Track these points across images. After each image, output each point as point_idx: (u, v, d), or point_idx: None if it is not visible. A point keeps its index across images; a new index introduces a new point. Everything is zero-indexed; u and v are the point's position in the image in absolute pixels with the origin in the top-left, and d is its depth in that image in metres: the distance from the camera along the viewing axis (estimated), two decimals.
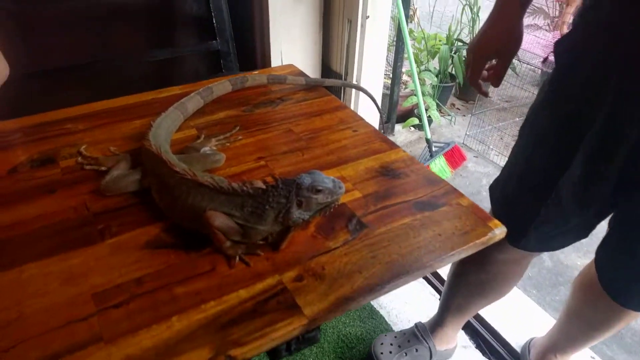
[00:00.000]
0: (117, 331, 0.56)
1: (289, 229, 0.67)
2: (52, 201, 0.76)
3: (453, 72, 3.26)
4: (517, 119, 3.07)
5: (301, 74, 1.18)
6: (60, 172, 0.82)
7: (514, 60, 3.31)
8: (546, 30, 3.44)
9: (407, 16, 2.24)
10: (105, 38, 1.67)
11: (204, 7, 1.84)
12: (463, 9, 3.33)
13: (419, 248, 0.69)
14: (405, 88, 2.86)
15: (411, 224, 0.74)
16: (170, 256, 0.67)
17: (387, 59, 2.61)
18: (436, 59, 3.16)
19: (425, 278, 1.95)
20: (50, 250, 0.67)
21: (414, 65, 2.31)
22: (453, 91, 3.42)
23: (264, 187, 0.65)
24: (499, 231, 0.73)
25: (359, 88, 1.15)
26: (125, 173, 0.78)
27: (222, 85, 1.03)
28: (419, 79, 2.59)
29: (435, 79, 2.84)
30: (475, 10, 3.30)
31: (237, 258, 0.66)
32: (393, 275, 0.65)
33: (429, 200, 0.79)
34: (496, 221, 0.75)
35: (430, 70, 2.81)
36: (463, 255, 0.71)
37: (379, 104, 1.25)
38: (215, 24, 1.87)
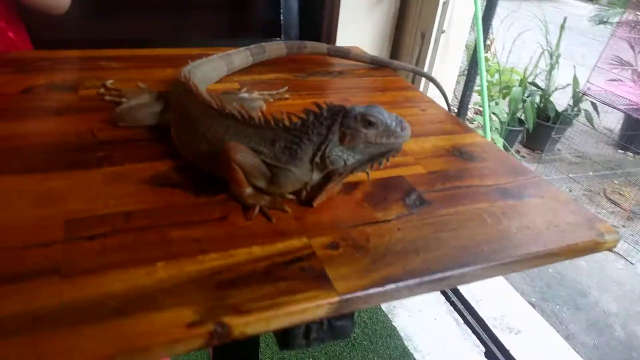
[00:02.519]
0: (81, 266, 0.41)
1: (327, 181, 0.51)
2: (56, 123, 0.64)
3: (522, 117, 3.05)
4: (591, 173, 2.79)
5: (366, 53, 1.04)
6: (76, 99, 0.71)
7: (593, 113, 3.05)
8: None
9: (484, 44, 2.09)
10: (173, 21, 1.68)
11: (275, 5, 1.78)
12: (541, 54, 3.14)
13: (502, 238, 0.51)
14: (471, 123, 2.68)
15: (489, 210, 0.56)
16: (175, 196, 0.52)
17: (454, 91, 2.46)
18: (506, 100, 2.96)
19: (466, 322, 1.71)
20: (31, 168, 0.54)
21: (486, 96, 2.13)
22: (520, 138, 3.19)
23: (304, 117, 0.50)
24: (610, 237, 0.54)
25: (430, 78, 1.00)
26: (145, 103, 0.65)
27: (276, 46, 0.91)
28: (488, 112, 2.41)
29: (506, 115, 2.64)
30: (555, 57, 3.10)
31: (258, 209, 0.50)
32: (464, 263, 0.47)
33: (514, 189, 0.61)
34: (606, 225, 0.55)
35: (499, 105, 2.61)
36: (561, 258, 0.52)
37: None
38: (282, 22, 1.80)
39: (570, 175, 2.71)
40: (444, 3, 1.67)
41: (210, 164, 0.54)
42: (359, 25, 1.76)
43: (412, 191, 0.58)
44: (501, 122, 2.59)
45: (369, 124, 0.47)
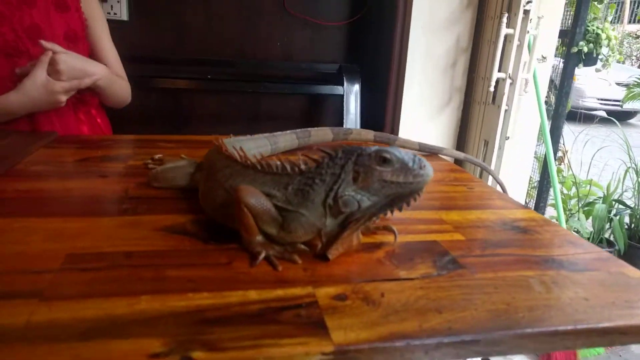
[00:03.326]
0: (63, 292, 0.39)
1: (343, 230, 0.46)
2: (97, 182, 0.67)
3: (611, 238, 2.77)
4: None
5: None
6: (122, 167, 0.75)
7: None
8: None
9: (555, 156, 2.01)
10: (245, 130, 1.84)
11: (338, 117, 1.87)
12: (626, 171, 2.95)
13: (550, 307, 0.42)
14: None
15: (539, 278, 0.47)
16: (184, 242, 0.50)
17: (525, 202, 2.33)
18: (590, 217, 2.73)
19: None
20: (56, 213, 0.55)
21: (561, 209, 1.99)
22: None
23: (319, 160, 0.47)
24: None
25: (481, 165, 0.95)
26: (179, 166, 0.66)
27: (322, 132, 0.92)
28: (567, 227, 2.22)
29: (588, 232, 2.41)
30: None
31: (263, 256, 0.46)
32: (497, 327, 0.38)
33: (573, 261, 0.51)
34: None
35: (580, 221, 2.40)
36: (630, 339, 0.41)
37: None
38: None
39: None
40: (506, 111, 1.66)
41: (226, 214, 0.52)
42: (421, 133, 1.78)
43: (445, 254, 0.51)
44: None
45: (383, 161, 0.43)
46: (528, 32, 1.61)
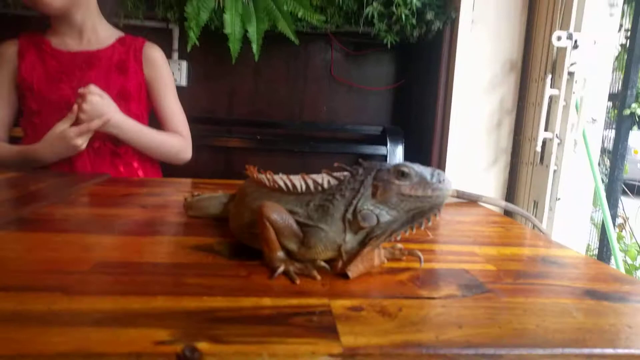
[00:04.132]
0: (84, 289, 0.40)
1: (363, 247, 0.45)
2: (136, 211, 0.70)
3: None
4: None
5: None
6: (162, 201, 0.78)
7: None
8: None
9: (614, 222, 1.89)
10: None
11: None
12: None
13: (584, 330, 0.38)
14: None
15: (576, 305, 0.44)
16: (208, 258, 0.51)
17: None
18: None
19: None
20: (97, 231, 0.58)
21: None
22: None
23: (341, 178, 0.48)
24: None
25: (521, 213, 0.92)
26: (214, 196, 0.69)
27: None
28: None
29: None
30: None
31: (281, 269, 0.46)
32: (524, 344, 0.35)
33: (614, 294, 0.47)
34: None
35: None
36: None
37: None
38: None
39: None
40: (555, 171, 1.61)
41: (251, 235, 0.53)
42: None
43: (472, 280, 0.48)
44: None
45: (402, 174, 0.43)
46: (574, 93, 1.60)
